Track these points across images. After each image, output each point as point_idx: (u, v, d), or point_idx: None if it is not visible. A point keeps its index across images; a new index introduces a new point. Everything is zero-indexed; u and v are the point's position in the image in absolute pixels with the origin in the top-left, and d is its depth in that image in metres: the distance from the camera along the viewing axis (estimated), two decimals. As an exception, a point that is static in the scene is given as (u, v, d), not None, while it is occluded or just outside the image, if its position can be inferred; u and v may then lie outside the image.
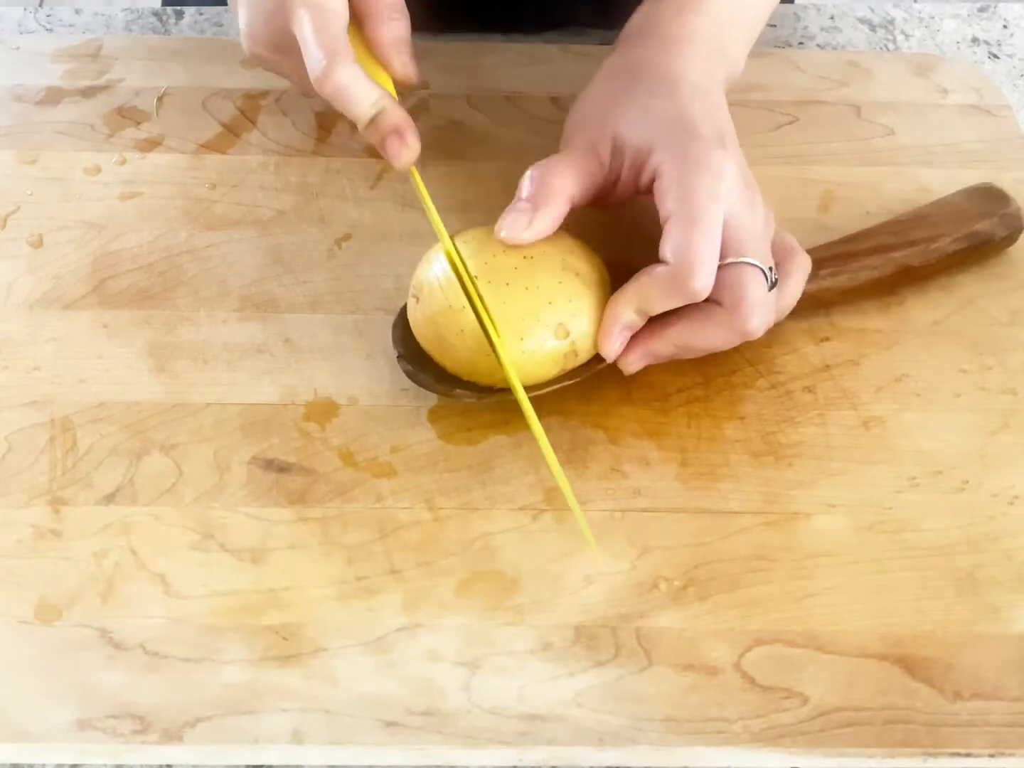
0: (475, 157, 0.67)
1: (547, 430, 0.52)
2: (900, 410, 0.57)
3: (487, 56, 0.72)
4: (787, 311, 0.57)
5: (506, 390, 0.54)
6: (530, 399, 0.54)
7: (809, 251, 0.58)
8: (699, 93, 0.57)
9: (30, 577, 0.51)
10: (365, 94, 0.53)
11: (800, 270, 0.57)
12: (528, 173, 0.55)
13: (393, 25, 0.56)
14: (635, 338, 0.55)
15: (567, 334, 0.53)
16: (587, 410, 0.57)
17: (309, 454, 0.55)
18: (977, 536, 0.54)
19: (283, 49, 0.56)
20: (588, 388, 0.56)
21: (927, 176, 0.67)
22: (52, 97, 0.69)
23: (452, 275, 0.53)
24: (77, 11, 0.75)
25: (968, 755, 0.48)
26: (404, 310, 0.57)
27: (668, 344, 0.55)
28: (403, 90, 0.56)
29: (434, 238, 0.55)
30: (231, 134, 0.67)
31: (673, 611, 0.51)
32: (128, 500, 0.53)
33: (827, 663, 0.50)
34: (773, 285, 0.54)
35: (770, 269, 0.54)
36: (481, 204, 0.64)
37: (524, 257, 0.54)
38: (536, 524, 0.53)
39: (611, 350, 0.54)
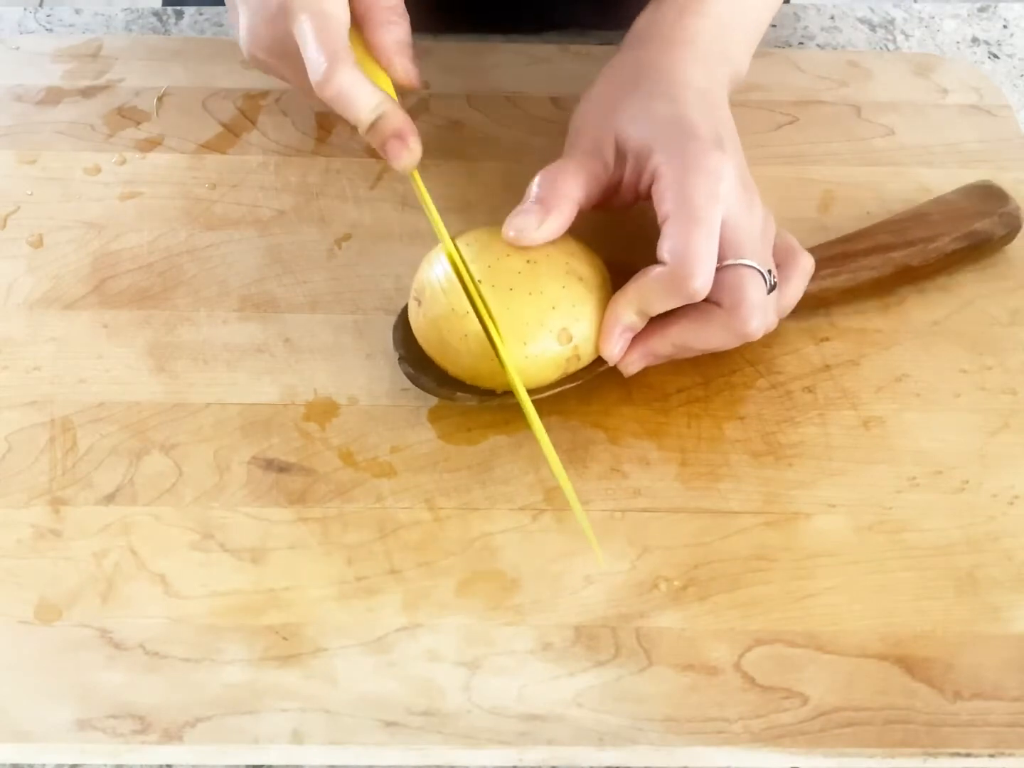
0: (475, 157, 0.67)
1: (547, 430, 0.52)
2: (900, 410, 0.57)
3: (487, 56, 0.72)
4: (787, 311, 0.57)
5: (508, 394, 0.54)
6: (531, 402, 0.54)
7: (809, 251, 0.58)
8: (699, 95, 0.57)
9: (30, 577, 0.51)
10: (366, 98, 0.53)
11: (801, 271, 0.57)
12: (536, 178, 0.55)
13: (393, 28, 0.55)
14: (635, 339, 0.55)
15: (570, 339, 0.53)
16: (587, 410, 0.57)
17: (309, 454, 0.55)
18: (977, 536, 0.54)
19: (283, 53, 0.56)
20: (588, 388, 0.56)
21: (927, 176, 0.67)
22: (52, 97, 0.69)
23: (455, 278, 0.53)
24: (77, 11, 0.75)
25: (968, 755, 0.48)
26: (405, 311, 0.57)
27: (667, 344, 0.55)
28: (403, 91, 0.56)
29: (435, 239, 0.55)
30: (231, 134, 0.67)
31: (673, 611, 0.51)
32: (128, 500, 0.53)
33: (827, 663, 0.50)
34: (773, 287, 0.55)
35: (769, 271, 0.54)
36: (481, 204, 0.64)
37: (527, 261, 0.54)
38: (536, 524, 0.53)
39: (612, 352, 0.54)
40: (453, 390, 0.55)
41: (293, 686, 0.48)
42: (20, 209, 0.63)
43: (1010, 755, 0.48)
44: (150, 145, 0.67)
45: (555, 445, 0.52)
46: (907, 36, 0.77)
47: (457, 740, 0.47)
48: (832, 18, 0.78)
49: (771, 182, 0.62)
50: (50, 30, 0.75)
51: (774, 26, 0.77)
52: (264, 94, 0.69)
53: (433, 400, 0.57)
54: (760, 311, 0.54)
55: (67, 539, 0.52)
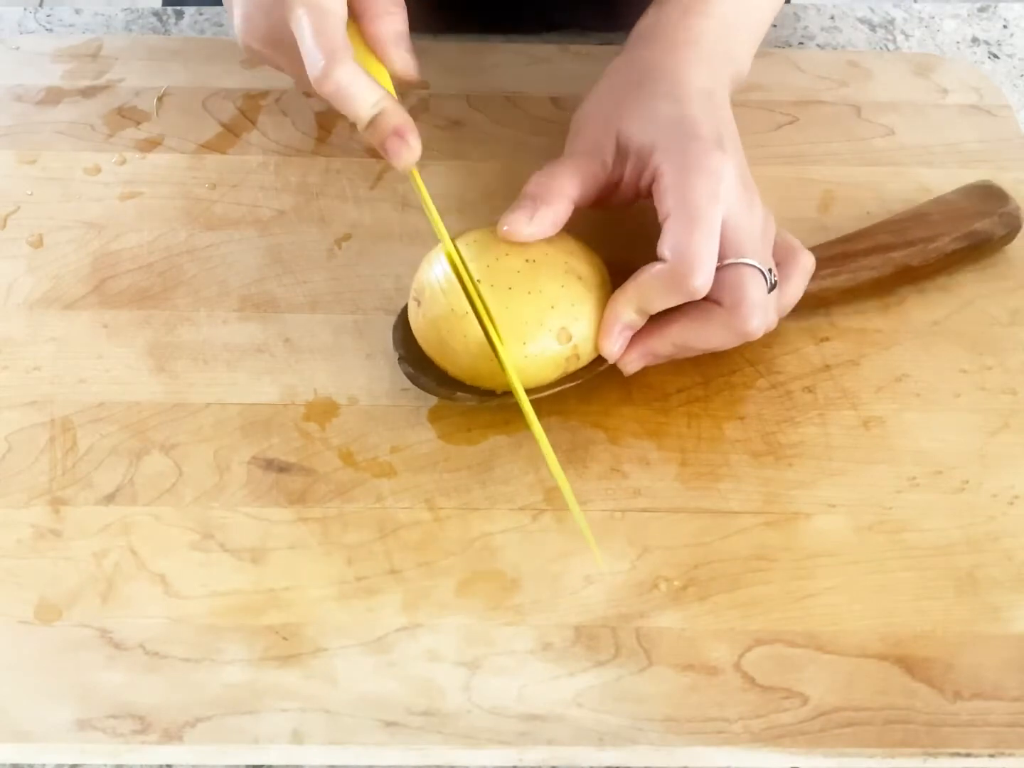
0: (475, 157, 0.67)
1: (547, 430, 0.52)
2: (900, 410, 0.57)
3: (487, 56, 0.72)
4: (788, 310, 0.57)
5: (508, 394, 0.54)
6: (531, 402, 0.54)
7: (809, 251, 0.58)
8: (701, 95, 0.57)
9: (30, 577, 0.51)
10: (366, 94, 0.52)
11: (801, 270, 0.57)
12: (532, 176, 0.55)
13: (391, 19, 0.55)
14: (635, 338, 0.55)
15: (569, 338, 0.53)
16: (587, 410, 0.57)
17: (309, 454, 0.55)
18: (977, 536, 0.54)
19: (279, 44, 0.55)
20: (588, 388, 0.56)
21: (927, 176, 0.67)
22: (52, 97, 0.69)
23: (454, 278, 0.53)
24: (77, 11, 0.75)
25: (968, 755, 0.48)
26: (404, 311, 0.57)
27: (667, 343, 0.55)
28: (403, 88, 0.56)
29: (434, 238, 0.55)
30: (231, 134, 0.67)
31: (673, 611, 0.51)
32: (128, 500, 0.53)
33: (827, 663, 0.50)
34: (773, 286, 0.55)
35: (770, 270, 0.54)
36: (481, 204, 0.64)
37: (527, 260, 0.54)
38: (536, 524, 0.53)
39: (612, 350, 0.54)
40: (453, 390, 0.55)
41: (293, 686, 0.48)
42: (20, 209, 0.63)
43: (1010, 755, 0.48)
44: (150, 145, 0.67)
45: (555, 445, 0.52)
46: (907, 36, 0.77)
47: (457, 740, 0.47)
48: (832, 18, 0.78)
49: (771, 182, 0.62)
50: (50, 30, 0.75)
51: (774, 26, 0.77)
52: (264, 94, 0.69)
53: (433, 400, 0.57)
54: (761, 310, 0.54)
55: (67, 539, 0.52)
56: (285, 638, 0.50)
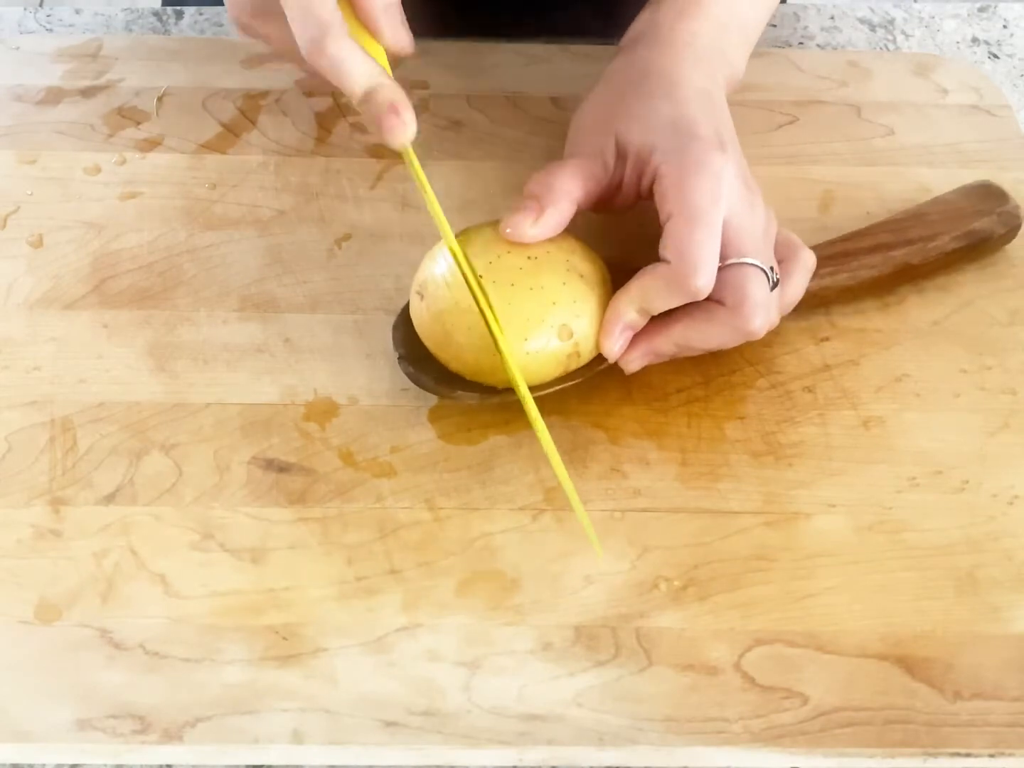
0: (475, 157, 0.67)
1: (547, 430, 0.52)
2: (900, 410, 0.58)
3: (487, 56, 0.72)
4: (790, 308, 0.57)
5: (508, 391, 0.54)
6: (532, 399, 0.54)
7: (808, 250, 0.58)
8: (699, 96, 0.57)
9: (30, 577, 0.51)
10: (359, 68, 0.51)
11: (803, 267, 0.57)
12: (534, 176, 0.55)
13: None
14: (636, 337, 0.55)
15: (571, 335, 0.53)
16: (587, 410, 0.57)
17: (309, 454, 0.55)
18: (977, 536, 0.54)
19: (269, 16, 0.54)
20: (588, 388, 0.56)
21: (927, 176, 0.67)
22: (52, 97, 0.69)
23: (459, 272, 0.53)
24: (77, 11, 0.75)
25: (968, 755, 0.48)
26: (404, 311, 0.57)
27: (669, 343, 0.55)
28: (396, 64, 0.55)
29: (435, 237, 0.55)
30: (231, 134, 0.67)
31: (673, 611, 0.51)
32: (128, 500, 0.53)
33: (827, 663, 0.50)
34: (775, 285, 0.55)
35: (771, 269, 0.54)
36: (481, 204, 0.64)
37: (529, 258, 0.54)
38: (536, 524, 0.53)
39: (612, 349, 0.54)
40: (453, 389, 0.55)
41: (293, 686, 0.48)
42: (20, 209, 0.63)
43: (1010, 755, 0.48)
44: (150, 145, 0.67)
45: (555, 445, 0.52)
46: (907, 36, 0.77)
47: (457, 740, 0.47)
48: (832, 18, 0.78)
49: (771, 182, 0.62)
50: (50, 30, 0.75)
51: (774, 26, 0.77)
52: (264, 94, 0.69)
53: (433, 400, 0.57)
54: (763, 309, 0.54)
55: (67, 539, 0.52)
56: (285, 638, 0.50)
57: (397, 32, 0.54)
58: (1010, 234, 0.63)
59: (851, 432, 0.57)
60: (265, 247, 0.62)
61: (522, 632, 0.50)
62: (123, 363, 0.58)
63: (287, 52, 0.55)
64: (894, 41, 0.77)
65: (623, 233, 0.60)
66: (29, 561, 0.51)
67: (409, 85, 0.69)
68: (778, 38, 0.76)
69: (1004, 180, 0.64)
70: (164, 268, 0.61)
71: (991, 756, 0.48)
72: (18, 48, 0.71)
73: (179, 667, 0.49)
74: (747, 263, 0.53)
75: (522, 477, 0.55)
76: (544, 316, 0.53)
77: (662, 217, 0.54)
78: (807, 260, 0.57)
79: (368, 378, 0.58)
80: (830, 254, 0.60)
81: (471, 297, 0.53)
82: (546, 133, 0.68)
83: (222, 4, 0.76)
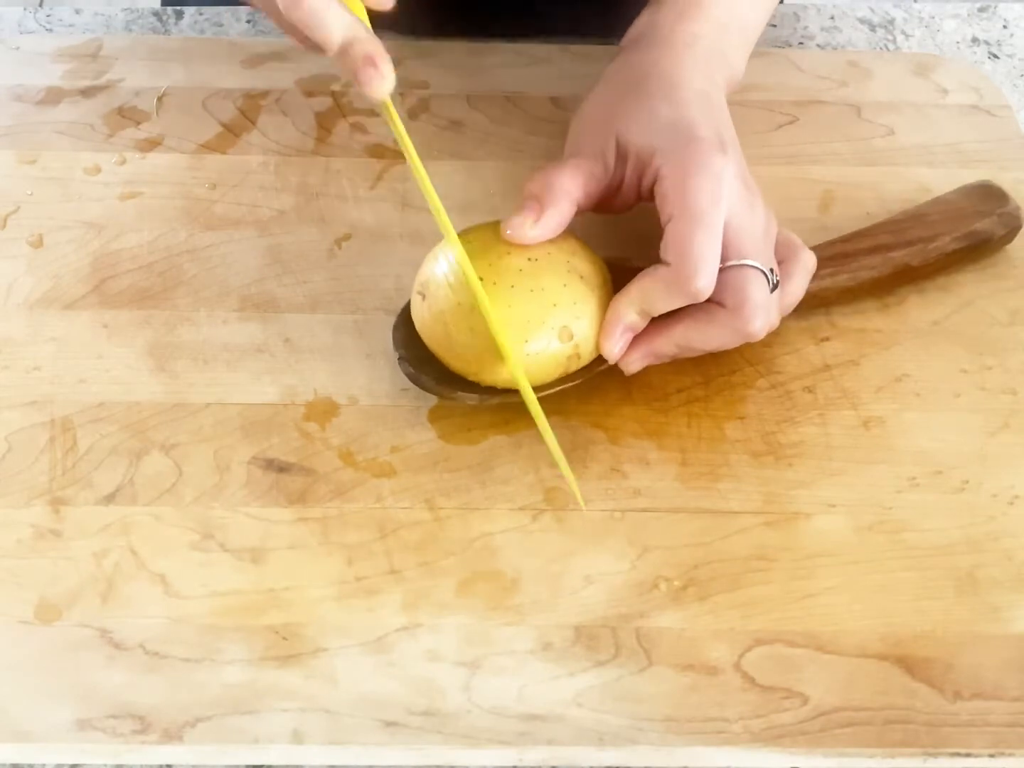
0: (475, 157, 0.67)
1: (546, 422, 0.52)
2: (900, 410, 0.58)
3: (487, 56, 0.72)
4: (791, 309, 0.57)
5: (509, 392, 0.54)
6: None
7: (808, 251, 0.58)
8: (699, 97, 0.57)
9: (30, 577, 0.51)
10: (336, 21, 0.50)
11: (803, 268, 0.57)
12: (534, 176, 0.55)
13: None
14: (637, 338, 0.55)
15: (571, 337, 0.53)
16: (587, 410, 0.57)
17: (309, 454, 0.55)
18: (977, 536, 0.54)
19: None
20: (588, 388, 0.56)
21: (927, 176, 0.67)
22: (52, 97, 0.69)
23: (461, 273, 0.53)
24: (77, 11, 0.75)
25: (968, 755, 0.48)
26: (405, 311, 0.57)
27: (670, 344, 0.55)
28: (376, 19, 0.53)
29: (435, 238, 0.55)
30: (231, 134, 0.67)
31: (673, 611, 0.51)
32: (128, 500, 0.53)
33: (827, 663, 0.50)
34: (775, 287, 0.55)
35: (771, 271, 0.54)
36: (481, 204, 0.64)
37: (529, 259, 0.54)
38: (536, 524, 0.53)
39: (613, 351, 0.54)
40: (453, 389, 0.55)
41: (293, 686, 0.48)
42: (20, 209, 0.63)
43: (1010, 755, 0.48)
44: (150, 145, 0.67)
45: (555, 445, 0.52)
46: (907, 36, 0.77)
47: (457, 740, 0.47)
48: (832, 18, 0.78)
49: (771, 182, 0.62)
50: (50, 30, 0.75)
51: (774, 26, 0.77)
52: (264, 94, 0.69)
53: (433, 400, 0.57)
54: (763, 311, 0.54)
55: (67, 539, 0.52)
56: (285, 638, 0.50)
57: None
58: (1010, 235, 0.63)
59: (851, 432, 0.57)
60: (265, 247, 0.62)
61: (522, 632, 0.50)
62: (123, 363, 0.58)
63: (265, 8, 0.54)
64: (894, 41, 0.77)
65: (623, 234, 0.60)
66: (29, 561, 0.51)
67: (409, 85, 0.69)
68: (778, 38, 0.76)
69: (1004, 180, 0.64)
70: (164, 268, 0.61)
71: (991, 756, 0.48)
72: (18, 48, 0.71)
73: (179, 667, 0.49)
74: (747, 265, 0.53)
75: (522, 477, 0.55)
76: (545, 318, 0.53)
77: (663, 218, 0.54)
78: (807, 261, 0.57)
79: (368, 378, 0.58)
80: (830, 255, 0.60)
81: (473, 297, 0.53)
82: (546, 133, 0.68)
83: (222, 4, 0.76)
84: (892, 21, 0.78)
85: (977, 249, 0.62)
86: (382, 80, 0.51)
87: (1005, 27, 0.78)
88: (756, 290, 0.53)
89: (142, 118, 0.68)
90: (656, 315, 0.54)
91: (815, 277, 0.58)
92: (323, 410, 0.56)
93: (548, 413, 0.55)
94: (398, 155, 0.67)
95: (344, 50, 0.51)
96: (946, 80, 0.72)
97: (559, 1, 0.76)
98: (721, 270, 0.53)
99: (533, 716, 0.48)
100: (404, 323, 0.57)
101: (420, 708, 0.48)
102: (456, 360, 0.54)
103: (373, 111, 0.69)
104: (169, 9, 0.76)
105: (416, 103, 0.69)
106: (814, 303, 0.59)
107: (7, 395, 0.56)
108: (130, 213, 0.63)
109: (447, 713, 0.48)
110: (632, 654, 0.50)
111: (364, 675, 0.49)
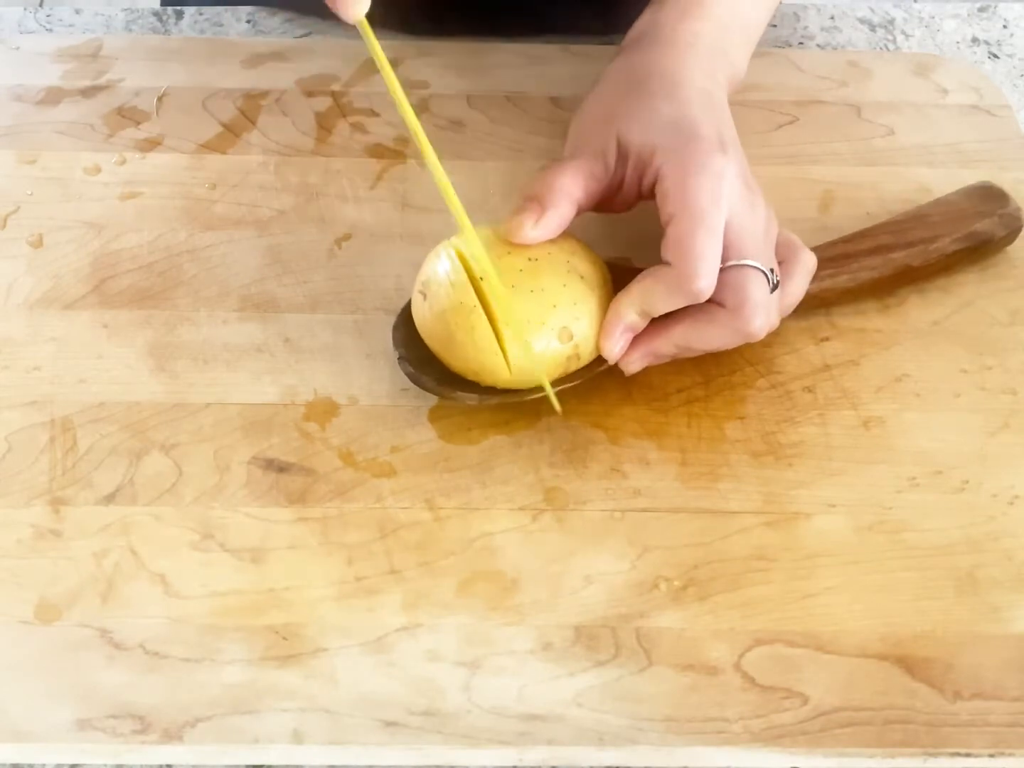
0: (475, 157, 0.67)
1: (547, 430, 0.52)
2: (900, 410, 0.57)
3: (487, 56, 0.72)
4: (791, 309, 0.57)
5: (508, 392, 0.54)
6: (531, 400, 0.54)
7: (808, 251, 0.58)
8: (701, 96, 0.57)
9: (30, 577, 0.51)
10: None
11: (803, 268, 0.57)
12: (535, 176, 0.55)
13: None
14: (637, 338, 0.55)
15: (571, 337, 0.53)
16: (587, 410, 0.57)
17: (309, 454, 0.55)
18: (977, 536, 0.54)
19: None
20: (588, 388, 0.56)
21: (927, 176, 0.67)
22: (52, 97, 0.69)
23: (462, 271, 0.53)
24: (77, 11, 0.75)
25: (968, 755, 0.48)
26: (405, 311, 0.57)
27: (670, 344, 0.55)
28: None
29: (436, 237, 0.55)
30: (231, 134, 0.67)
31: (673, 611, 0.51)
32: (128, 500, 0.53)
33: (827, 663, 0.50)
34: (775, 287, 0.55)
35: (772, 271, 0.54)
36: (481, 204, 0.64)
37: (529, 259, 0.54)
38: (536, 524, 0.53)
39: (613, 351, 0.54)
40: (454, 389, 0.55)
41: (293, 686, 0.48)
42: (20, 209, 0.63)
43: (1010, 755, 0.48)
44: (150, 145, 0.67)
45: (555, 445, 0.52)
46: (907, 36, 0.77)
47: (457, 740, 0.47)
48: (832, 18, 0.78)
49: (771, 182, 0.62)
50: (50, 30, 0.75)
51: (774, 26, 0.77)
52: (264, 94, 0.69)
53: (433, 400, 0.57)
54: (763, 311, 0.54)
55: (67, 539, 0.52)
56: (285, 638, 0.50)
57: None
58: (1011, 236, 0.63)
59: (851, 432, 0.57)
60: (265, 247, 0.62)
61: (522, 632, 0.50)
62: (123, 363, 0.58)
63: None
64: (894, 41, 0.77)
65: (623, 234, 0.60)
66: (29, 561, 0.51)
67: (409, 85, 0.69)
68: (778, 38, 0.76)
69: (1004, 180, 0.64)
70: (164, 268, 0.61)
71: (991, 756, 0.48)
72: (18, 48, 0.71)
73: (179, 667, 0.49)
74: (748, 265, 0.53)
75: (522, 477, 0.54)
76: (544, 318, 0.53)
77: (663, 218, 0.54)
78: (808, 261, 0.57)
79: (368, 378, 0.58)
80: (830, 255, 0.60)
81: (475, 297, 0.53)
82: (546, 133, 0.68)
83: (222, 4, 0.76)
84: (892, 21, 0.78)
85: (977, 250, 0.62)
86: (357, 2, 0.48)
87: (1005, 27, 0.78)
88: (756, 290, 0.53)
89: (142, 118, 0.68)
90: (656, 315, 0.54)
91: (815, 277, 0.58)
92: (323, 410, 0.56)
93: (548, 413, 0.55)
94: (398, 155, 0.67)
95: None
96: (946, 80, 0.72)
97: (559, 1, 0.76)
98: (721, 270, 0.53)
99: (533, 716, 0.48)
100: (404, 323, 0.57)
101: (420, 708, 0.48)
102: (456, 360, 0.54)
103: (373, 111, 0.69)
104: (169, 9, 0.76)
105: (416, 103, 0.69)
106: (814, 303, 0.59)
107: (7, 395, 0.56)
108: (130, 213, 0.63)
109: (447, 713, 0.48)
110: (632, 654, 0.50)
111: (364, 675, 0.49)
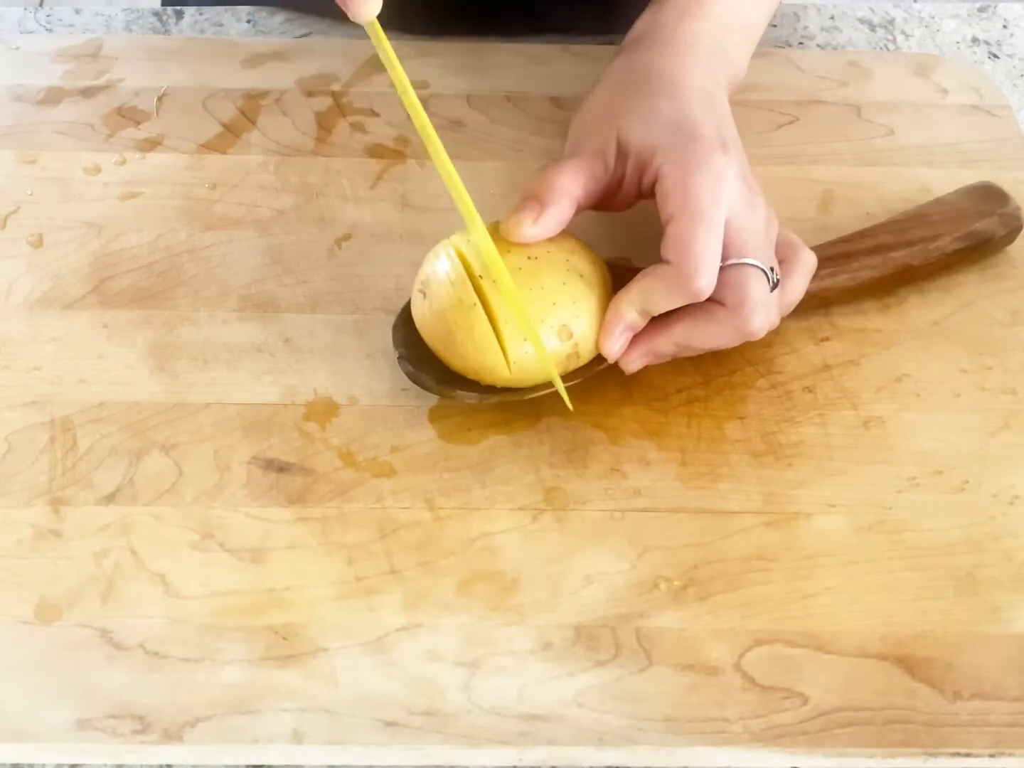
0: (475, 157, 0.67)
1: (547, 430, 0.52)
2: (900, 410, 0.57)
3: (487, 56, 0.72)
4: (791, 308, 0.57)
5: (508, 391, 0.54)
6: (531, 400, 0.54)
7: (808, 251, 0.58)
8: (701, 96, 0.57)
9: (30, 577, 0.51)
10: None
11: (803, 267, 0.57)
12: (535, 175, 0.55)
13: None
14: (637, 337, 0.55)
15: (570, 335, 0.53)
16: (587, 410, 0.57)
17: (309, 454, 0.55)
18: (977, 536, 0.54)
19: None
20: (588, 388, 0.56)
21: (927, 176, 0.67)
22: (52, 97, 0.69)
23: (462, 270, 0.53)
24: (77, 11, 0.76)
25: (968, 755, 0.48)
26: (404, 311, 0.57)
27: (670, 343, 0.55)
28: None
29: (436, 236, 0.55)
30: (231, 134, 0.67)
31: (673, 611, 0.51)
32: (128, 500, 0.53)
33: (827, 663, 0.50)
34: (775, 285, 0.55)
35: (772, 269, 0.54)
36: (481, 204, 0.64)
37: (528, 258, 0.54)
38: (536, 524, 0.53)
39: (612, 350, 0.54)
40: (454, 388, 0.55)
41: (293, 686, 0.48)
42: (20, 209, 0.63)
43: (1010, 755, 0.48)
44: (150, 145, 0.67)
45: (555, 445, 0.52)
46: (907, 36, 0.77)
47: (457, 740, 0.47)
48: (832, 18, 0.78)
49: (771, 182, 0.62)
50: (50, 30, 0.75)
51: (774, 26, 0.77)
52: (264, 94, 0.69)
53: (433, 400, 0.57)
54: (763, 309, 0.54)
55: (67, 539, 0.52)
56: (285, 638, 0.50)
57: None
58: (1011, 235, 0.63)
59: (851, 432, 0.57)
60: (265, 247, 0.62)
61: (522, 632, 0.50)
62: (123, 363, 0.58)
63: None
64: (894, 41, 0.77)
65: (623, 234, 0.60)
66: (29, 561, 0.51)
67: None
68: (778, 38, 0.76)
69: (1004, 180, 0.64)
70: (164, 268, 0.61)
71: (991, 756, 0.48)
72: (18, 48, 0.71)
73: (179, 667, 0.49)
74: (748, 264, 0.53)
75: (522, 477, 0.54)
76: (544, 317, 0.53)
77: (663, 217, 0.54)
78: (808, 261, 0.57)
79: (368, 378, 0.58)
80: (830, 255, 0.60)
81: (475, 295, 0.53)
82: (546, 133, 0.68)
83: (222, 4, 0.76)
84: (892, 21, 0.78)
85: (977, 249, 0.62)
86: (369, 2, 0.49)
87: (1005, 27, 0.78)
88: (756, 289, 0.53)
89: (142, 118, 0.68)
90: (656, 314, 0.54)
91: (815, 277, 0.58)
92: (323, 410, 0.56)
93: (548, 413, 0.55)
94: (398, 155, 0.67)
95: None
96: (946, 80, 0.72)
97: (559, 1, 0.76)
98: (721, 269, 0.53)
99: (533, 716, 0.48)
100: (404, 322, 0.57)
101: (420, 708, 0.48)
102: (456, 358, 0.54)
103: (373, 111, 0.69)
104: (169, 9, 0.76)
105: (416, 103, 0.69)
106: (814, 303, 0.59)
107: (7, 395, 0.56)
108: (130, 213, 0.63)
109: (447, 713, 0.48)
110: (632, 654, 0.50)
111: (364, 675, 0.49)
